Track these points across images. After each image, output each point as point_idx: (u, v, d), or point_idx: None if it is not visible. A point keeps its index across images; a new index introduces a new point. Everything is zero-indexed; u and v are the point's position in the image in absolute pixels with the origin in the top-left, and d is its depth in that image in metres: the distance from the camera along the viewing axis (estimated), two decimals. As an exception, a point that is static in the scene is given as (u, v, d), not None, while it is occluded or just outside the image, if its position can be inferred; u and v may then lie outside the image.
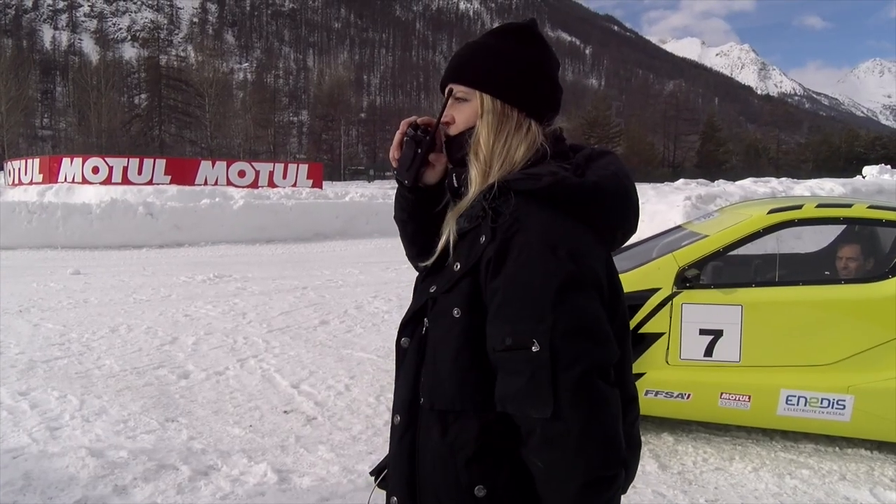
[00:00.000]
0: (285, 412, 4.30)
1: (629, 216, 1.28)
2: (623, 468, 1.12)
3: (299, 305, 7.40)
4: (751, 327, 3.84)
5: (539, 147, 1.29)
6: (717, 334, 3.87)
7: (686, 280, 3.94)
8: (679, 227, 5.10)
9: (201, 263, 11.09)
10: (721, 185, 12.58)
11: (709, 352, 3.87)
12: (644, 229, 7.85)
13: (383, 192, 23.23)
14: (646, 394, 3.93)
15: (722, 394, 3.87)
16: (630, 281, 3.97)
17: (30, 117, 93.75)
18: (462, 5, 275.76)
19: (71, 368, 5.01)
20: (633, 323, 3.92)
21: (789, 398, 3.80)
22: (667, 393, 3.92)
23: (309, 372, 5.05)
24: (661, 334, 3.91)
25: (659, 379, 3.92)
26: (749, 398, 3.84)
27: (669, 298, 3.90)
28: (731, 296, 3.88)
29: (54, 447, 3.63)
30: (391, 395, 3.88)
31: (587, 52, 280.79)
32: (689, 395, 3.91)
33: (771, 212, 4.02)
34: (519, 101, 1.30)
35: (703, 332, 3.88)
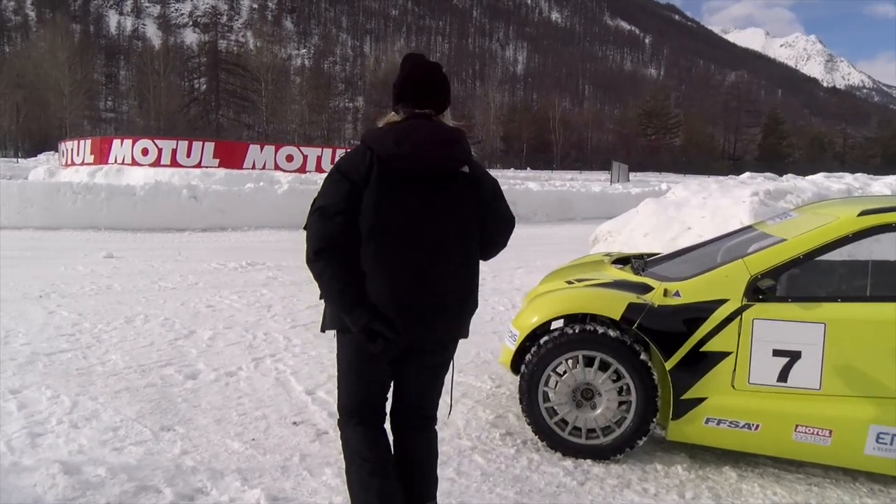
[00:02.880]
0: (294, 423, 3.84)
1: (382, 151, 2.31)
2: (316, 258, 2.30)
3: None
4: (835, 349, 3.23)
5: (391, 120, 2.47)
6: (794, 356, 3.27)
7: (759, 291, 3.35)
8: (749, 227, 4.48)
9: (237, 249, 10.78)
10: (790, 180, 11.76)
11: (783, 376, 3.28)
12: (706, 227, 7.24)
13: (432, 180, 22.82)
14: (706, 422, 3.37)
15: (797, 426, 3.27)
16: (692, 290, 3.41)
17: (94, 100, 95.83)
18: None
19: (73, 364, 4.64)
20: (694, 339, 3.35)
21: (881, 436, 3.18)
22: (731, 422, 3.35)
23: (328, 376, 4.59)
24: (726, 354, 3.33)
25: (723, 405, 3.35)
26: (830, 433, 3.24)
27: (738, 312, 3.32)
28: (813, 311, 3.27)
29: (29, 459, 3.23)
30: None
31: (646, 41, 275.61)
32: (757, 426, 3.32)
33: (863, 213, 3.39)
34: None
35: (777, 352, 3.29)
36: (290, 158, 22.52)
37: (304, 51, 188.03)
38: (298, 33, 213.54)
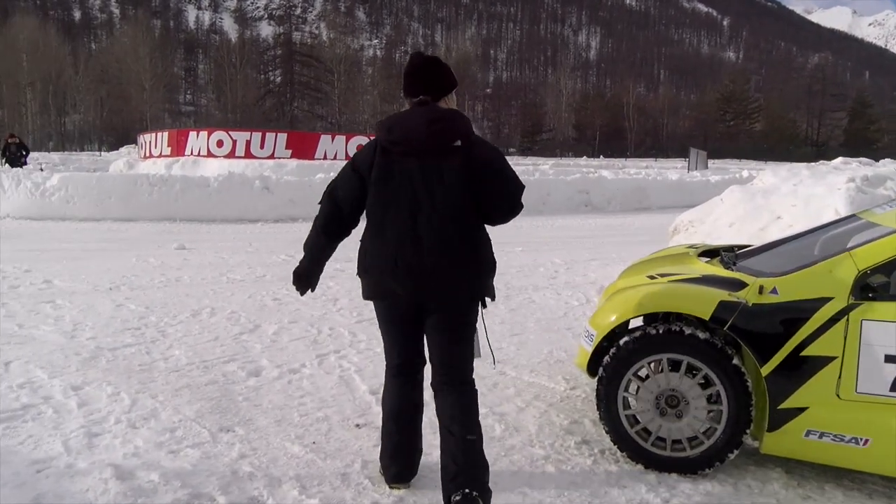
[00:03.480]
0: (357, 426, 3.65)
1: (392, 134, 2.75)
2: (315, 227, 2.92)
3: (396, 292, 6.78)
4: (960, 356, 2.84)
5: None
6: (911, 363, 2.89)
7: (869, 289, 2.98)
8: (852, 216, 4.06)
9: (308, 240, 10.73)
10: (888, 165, 11.01)
11: (898, 386, 2.91)
12: (797, 217, 6.74)
13: (503, 169, 22.50)
14: (806, 435, 3.02)
15: (914, 443, 2.90)
16: (791, 286, 3.06)
17: (174, 93, 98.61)
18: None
19: (136, 359, 4.57)
20: (793, 342, 3.00)
21: None
22: (836, 436, 2.99)
23: (393, 374, 4.39)
24: (831, 359, 2.97)
25: (826, 417, 3.00)
26: (954, 452, 2.86)
27: (844, 312, 2.96)
28: (934, 313, 2.89)
29: (83, 461, 3.12)
30: (484, 411, 3.40)
31: (724, 23, 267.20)
32: (866, 441, 2.96)
33: None
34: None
35: (889, 358, 2.91)
36: (360, 148, 22.40)
37: (376, 41, 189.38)
38: (371, 23, 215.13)
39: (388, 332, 3.00)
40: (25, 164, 21.05)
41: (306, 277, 2.99)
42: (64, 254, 8.93)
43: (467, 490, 2.67)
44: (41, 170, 20.67)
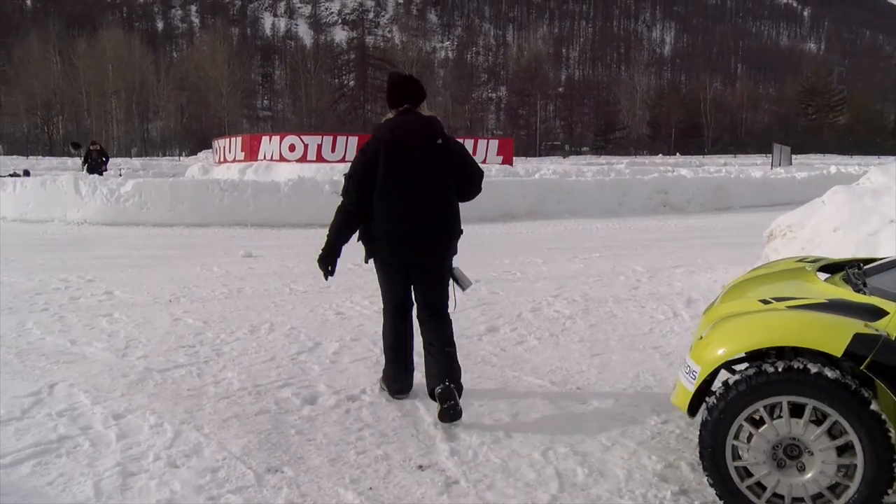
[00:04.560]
0: (420, 468, 3.22)
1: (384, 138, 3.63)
2: (342, 209, 3.75)
3: (466, 305, 6.32)
4: None
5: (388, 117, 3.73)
6: None
7: None
8: None
9: (376, 247, 10.42)
10: None
11: None
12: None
13: (577, 169, 21.85)
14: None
15: None
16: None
17: (251, 99, 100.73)
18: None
19: (185, 383, 4.26)
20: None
21: None
22: None
23: (462, 404, 3.95)
24: None
25: None
26: None
27: None
28: None
29: (113, 510, 2.79)
30: (563, 450, 3.44)
31: (805, 14, 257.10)
32: None
33: None
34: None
35: None
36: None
37: (448, 43, 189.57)
38: (442, 26, 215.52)
39: (389, 281, 3.90)
40: (106, 170, 21.51)
41: (331, 260, 3.81)
42: (131, 261, 8.83)
43: (446, 382, 3.63)
44: (120, 175, 21.08)
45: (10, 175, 19.50)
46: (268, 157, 21.94)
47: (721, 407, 2.76)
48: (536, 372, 4.51)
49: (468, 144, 22.72)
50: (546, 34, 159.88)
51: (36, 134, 75.91)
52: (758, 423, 2.72)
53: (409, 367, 4.02)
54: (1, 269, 8.11)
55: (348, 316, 5.92)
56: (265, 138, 22.77)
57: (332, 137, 22.09)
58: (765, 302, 3.00)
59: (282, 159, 21.43)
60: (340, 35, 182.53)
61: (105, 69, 72.03)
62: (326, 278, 3.84)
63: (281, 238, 11.54)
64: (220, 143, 25.57)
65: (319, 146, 21.56)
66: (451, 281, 3.92)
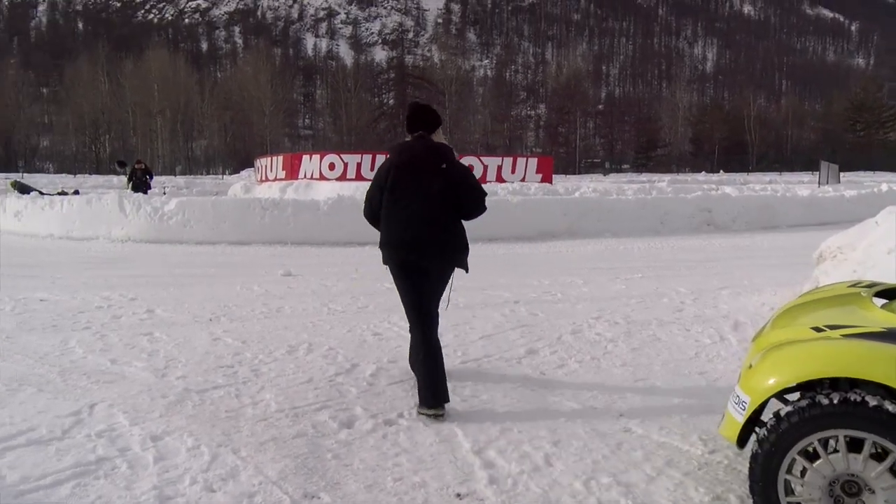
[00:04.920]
0: (458, 496, 3.14)
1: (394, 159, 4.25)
2: (369, 219, 4.46)
3: (505, 326, 6.25)
4: None
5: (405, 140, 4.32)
6: None
7: None
8: None
9: (414, 266, 10.39)
10: None
11: None
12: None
13: (617, 187, 21.62)
14: None
15: None
16: None
17: (293, 118, 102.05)
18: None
19: (223, 404, 4.24)
20: None
21: None
22: None
23: (500, 429, 3.87)
24: None
25: None
26: None
27: None
28: None
29: (148, 536, 2.76)
30: (606, 480, 3.33)
31: (852, 28, 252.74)
32: None
33: None
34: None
35: None
36: (470, 168, 22.18)
37: (487, 61, 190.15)
38: (481, 44, 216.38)
39: (400, 286, 4.35)
40: (150, 188, 21.90)
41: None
42: (173, 280, 8.92)
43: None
44: (164, 193, 21.43)
45: (59, 193, 19.96)
46: (308, 175, 22.16)
47: (772, 439, 2.65)
48: (577, 397, 4.41)
49: (507, 162, 22.73)
50: (585, 51, 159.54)
51: (84, 152, 77.89)
52: (812, 457, 2.60)
53: (443, 378, 4.15)
54: (47, 287, 8.25)
55: (386, 337, 5.87)
56: (306, 157, 23.01)
57: (371, 156, 22.22)
58: (817, 330, 2.87)
59: (322, 177, 21.63)
60: (380, 55, 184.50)
61: (151, 89, 73.73)
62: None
63: (320, 256, 11.58)
64: (261, 162, 25.90)
65: (359, 164, 21.71)
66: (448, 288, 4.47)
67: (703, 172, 59.71)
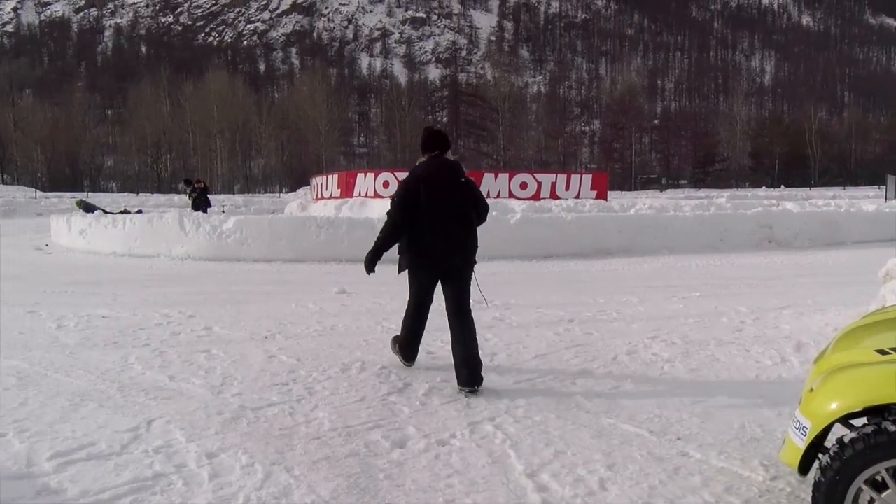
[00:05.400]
0: (511, 521, 3.10)
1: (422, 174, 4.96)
2: (391, 227, 5.05)
3: (559, 346, 6.18)
4: None
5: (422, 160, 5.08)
6: None
7: None
8: None
9: (467, 283, 10.37)
10: None
11: None
12: None
13: (674, 203, 21.29)
14: None
15: None
16: None
17: (348, 136, 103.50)
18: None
19: (277, 422, 4.28)
20: None
21: None
22: None
23: (554, 452, 3.81)
24: None
25: None
26: None
27: None
28: None
29: (203, 553, 2.79)
30: None
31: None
32: None
33: None
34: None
35: None
36: (524, 186, 22.17)
37: (540, 77, 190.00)
38: (534, 61, 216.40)
39: (420, 284, 5.17)
40: (211, 206, 22.42)
41: (376, 261, 5.20)
42: (230, 297, 9.08)
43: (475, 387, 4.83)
44: (223, 211, 21.90)
45: (122, 212, 20.55)
46: (363, 193, 22.35)
47: (836, 467, 2.55)
48: (633, 419, 4.32)
49: (561, 179, 22.61)
50: (640, 66, 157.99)
51: (146, 172, 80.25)
52: (880, 487, 2.50)
53: (418, 345, 5.41)
54: (109, 304, 8.49)
55: (438, 356, 5.86)
56: (360, 175, 23.24)
57: (425, 173, 22.32)
58: (882, 352, 2.76)
59: (376, 195, 21.78)
60: (434, 73, 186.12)
61: (210, 110, 75.70)
62: (369, 273, 5.23)
63: (374, 274, 11.62)
64: (317, 181, 26.26)
65: (413, 182, 21.82)
66: (476, 285, 5.16)
67: (763, 187, 58.53)
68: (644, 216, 16.98)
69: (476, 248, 5.10)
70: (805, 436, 2.69)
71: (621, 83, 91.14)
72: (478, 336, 5.05)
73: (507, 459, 3.75)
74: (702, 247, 15.39)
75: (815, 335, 6.42)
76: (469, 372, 4.79)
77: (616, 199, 27.18)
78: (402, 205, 4.87)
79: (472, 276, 5.12)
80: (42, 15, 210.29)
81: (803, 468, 2.79)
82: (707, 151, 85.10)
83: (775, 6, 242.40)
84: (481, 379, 4.83)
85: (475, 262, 5.14)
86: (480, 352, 5.02)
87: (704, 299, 8.70)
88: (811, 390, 2.84)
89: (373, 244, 5.12)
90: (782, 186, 60.20)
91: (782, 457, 2.90)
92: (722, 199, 27.23)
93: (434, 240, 4.86)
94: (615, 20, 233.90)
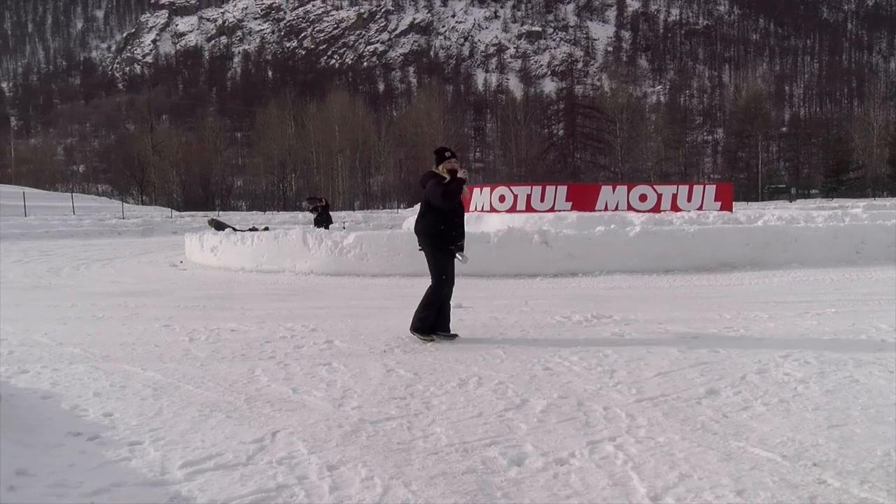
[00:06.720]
0: (633, 545, 2.98)
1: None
2: (445, 214, 7.20)
3: (683, 363, 5.94)
4: None
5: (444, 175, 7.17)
6: None
7: None
8: None
9: (585, 298, 10.18)
10: None
11: None
12: None
13: (805, 214, 20.21)
14: None
15: None
16: None
17: (465, 152, 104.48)
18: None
19: (395, 436, 4.31)
20: None
21: None
22: None
23: (679, 475, 3.65)
24: None
25: None
26: None
27: None
28: None
29: (323, 565, 2.82)
30: None
31: None
32: None
33: None
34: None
35: None
36: (643, 198, 21.64)
37: (659, 87, 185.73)
38: (653, 70, 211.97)
39: (448, 263, 7.22)
40: (332, 223, 23.10)
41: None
42: (350, 311, 9.29)
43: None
44: (343, 227, 22.50)
45: (250, 229, 21.48)
46: (479, 208, 22.46)
47: None
48: (764, 443, 4.08)
49: (682, 190, 21.96)
50: (766, 72, 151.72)
51: (272, 190, 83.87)
52: None
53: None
54: (237, 318, 8.86)
55: (556, 372, 5.75)
56: (476, 190, 23.35)
57: (541, 187, 22.19)
58: None
59: (492, 210, 21.83)
60: (549, 86, 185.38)
61: (332, 129, 78.40)
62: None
63: (490, 288, 11.65)
64: (434, 196, 26.56)
65: (529, 196, 21.73)
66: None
67: (905, 196, 54.70)
68: (772, 228, 16.18)
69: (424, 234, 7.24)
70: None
71: (746, 90, 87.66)
72: (591, 349, 6.11)
73: (630, 482, 3.61)
74: (836, 260, 14.51)
75: (969, 356, 5.90)
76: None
77: (742, 210, 26.09)
78: (449, 198, 7.02)
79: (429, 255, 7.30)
80: (178, 45, 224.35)
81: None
82: (840, 159, 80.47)
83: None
84: (412, 325, 7.29)
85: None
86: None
87: (840, 316, 8.17)
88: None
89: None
90: (927, 195, 56.09)
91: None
92: (858, 210, 25.60)
93: (457, 229, 7.23)
94: (739, 25, 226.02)
